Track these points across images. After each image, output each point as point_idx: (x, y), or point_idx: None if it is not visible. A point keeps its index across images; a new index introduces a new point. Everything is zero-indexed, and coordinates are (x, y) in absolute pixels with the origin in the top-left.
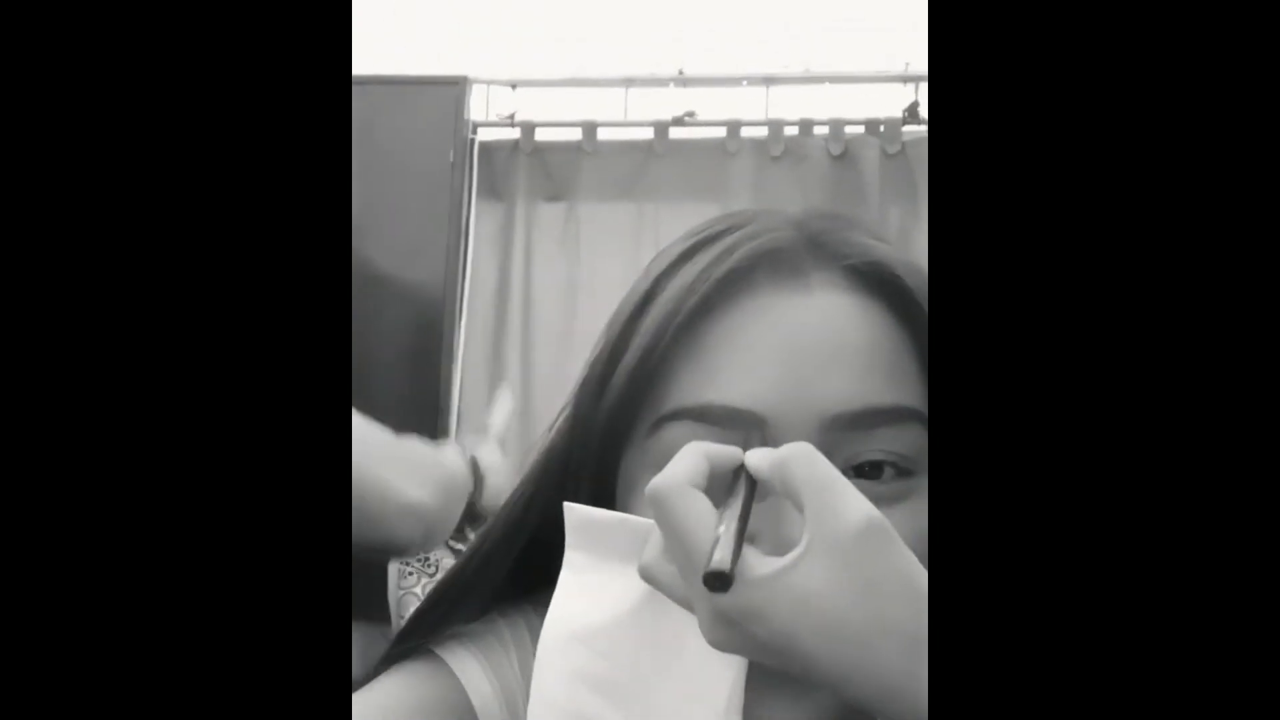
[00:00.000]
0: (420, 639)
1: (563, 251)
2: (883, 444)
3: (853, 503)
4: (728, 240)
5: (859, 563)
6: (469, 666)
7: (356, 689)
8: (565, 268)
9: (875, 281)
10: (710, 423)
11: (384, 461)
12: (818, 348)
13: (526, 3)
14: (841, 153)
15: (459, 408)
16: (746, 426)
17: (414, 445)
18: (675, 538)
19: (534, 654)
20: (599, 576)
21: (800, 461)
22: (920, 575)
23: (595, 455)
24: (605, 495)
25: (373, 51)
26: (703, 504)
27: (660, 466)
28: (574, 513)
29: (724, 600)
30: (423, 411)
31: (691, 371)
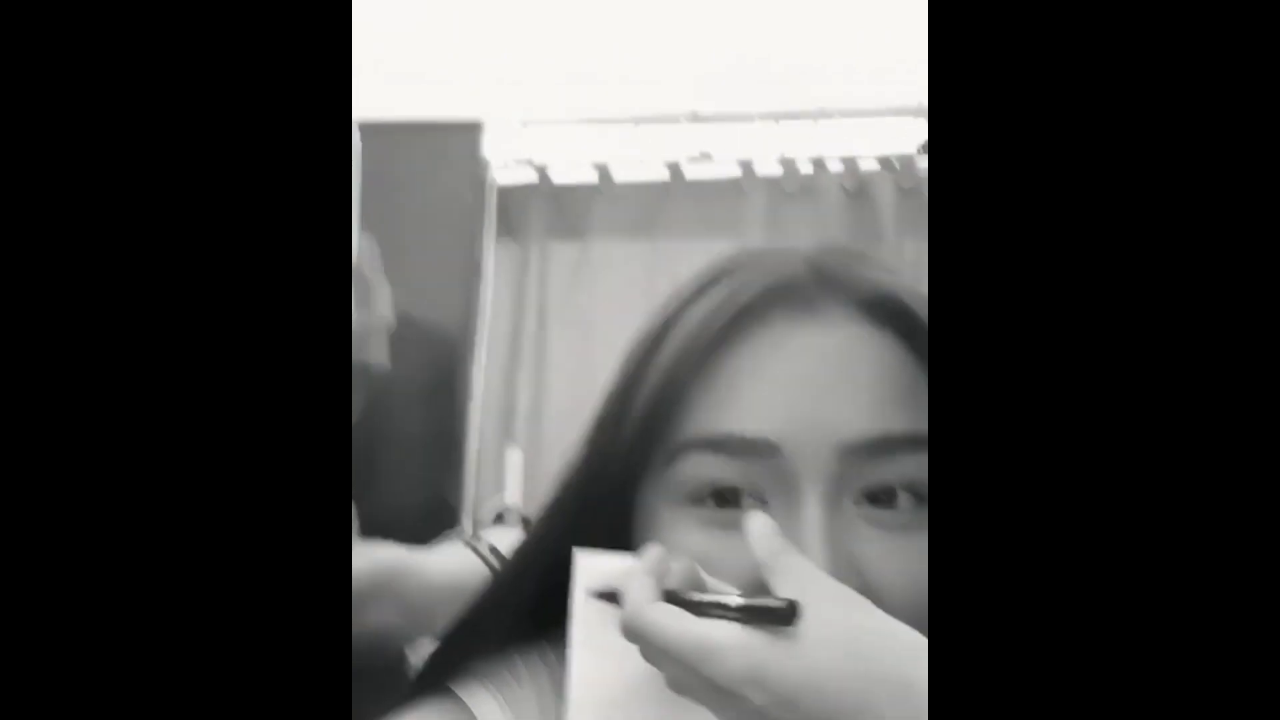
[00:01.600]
0: (438, 678)
1: (578, 290)
2: (898, 471)
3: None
4: (740, 276)
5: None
6: (487, 706)
7: None
8: (581, 306)
9: (885, 313)
10: (726, 453)
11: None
12: (831, 377)
13: (542, 44)
14: (856, 188)
15: (477, 448)
16: (762, 455)
17: (390, 559)
18: (665, 651)
19: (551, 693)
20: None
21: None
22: (900, 626)
23: (612, 489)
24: (623, 530)
25: (388, 95)
26: (669, 610)
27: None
28: (583, 559)
29: (726, 668)
30: (439, 451)
31: (707, 403)
